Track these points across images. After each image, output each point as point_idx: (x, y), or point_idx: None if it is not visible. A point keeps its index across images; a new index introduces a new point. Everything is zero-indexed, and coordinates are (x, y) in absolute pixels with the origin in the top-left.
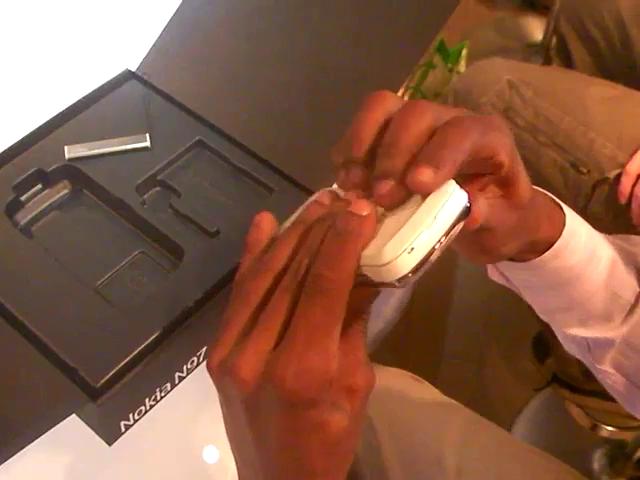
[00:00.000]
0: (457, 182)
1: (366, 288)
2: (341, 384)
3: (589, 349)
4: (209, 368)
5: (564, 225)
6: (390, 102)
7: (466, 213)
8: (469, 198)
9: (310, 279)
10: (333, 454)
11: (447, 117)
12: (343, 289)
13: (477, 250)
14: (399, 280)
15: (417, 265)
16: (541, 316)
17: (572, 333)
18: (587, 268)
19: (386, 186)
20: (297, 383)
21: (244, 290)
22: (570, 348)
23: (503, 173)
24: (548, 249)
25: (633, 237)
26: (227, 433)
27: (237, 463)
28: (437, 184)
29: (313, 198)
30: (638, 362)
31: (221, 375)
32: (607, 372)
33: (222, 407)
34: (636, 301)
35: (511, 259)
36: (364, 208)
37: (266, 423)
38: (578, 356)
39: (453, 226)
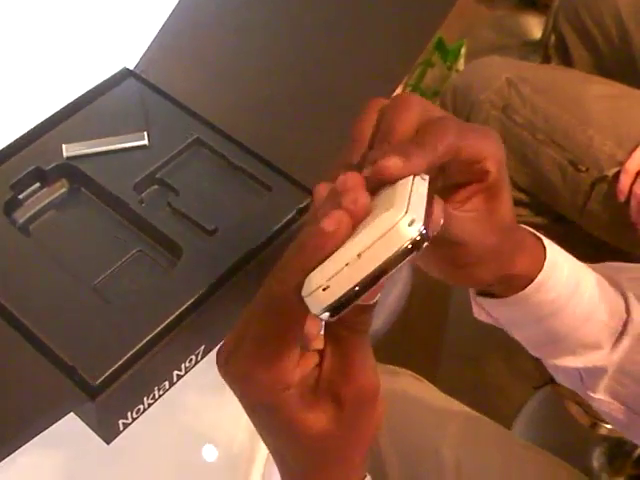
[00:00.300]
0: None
1: None
2: (325, 389)
3: (581, 379)
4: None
5: (545, 259)
6: (383, 103)
7: (410, 251)
8: (423, 229)
9: (262, 289)
10: (312, 453)
11: (436, 114)
12: (285, 304)
13: (448, 264)
14: (317, 315)
15: (332, 305)
16: (532, 352)
17: (563, 364)
18: (571, 300)
19: (365, 173)
20: (247, 388)
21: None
22: (563, 380)
23: (489, 182)
24: (528, 284)
25: (615, 264)
26: None
27: None
28: (402, 173)
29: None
30: (635, 389)
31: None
32: (603, 400)
33: None
34: (624, 327)
35: (492, 295)
36: (332, 223)
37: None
38: (571, 387)
39: (384, 269)
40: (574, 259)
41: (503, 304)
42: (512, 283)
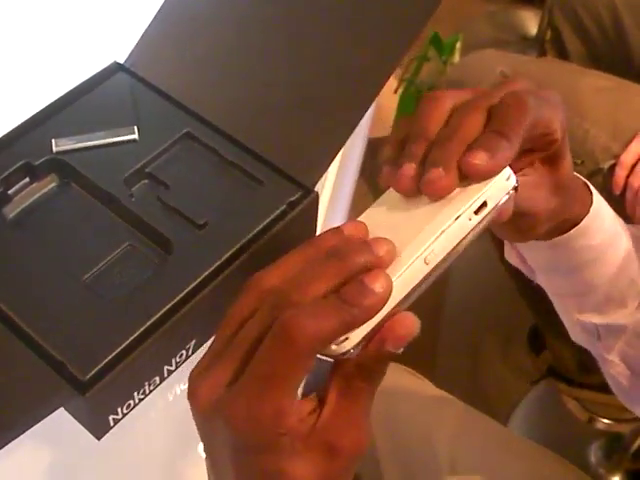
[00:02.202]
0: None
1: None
2: (320, 439)
3: (599, 337)
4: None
5: (591, 204)
6: (449, 102)
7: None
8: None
9: (281, 325)
10: None
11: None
12: (307, 351)
13: (512, 230)
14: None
15: (344, 353)
16: (552, 299)
17: (584, 319)
18: (608, 250)
19: (435, 173)
20: (244, 426)
21: (229, 309)
22: (578, 337)
23: (555, 149)
24: (572, 228)
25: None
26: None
27: None
28: (493, 170)
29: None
30: None
31: (188, 395)
32: (613, 362)
33: None
34: None
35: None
36: (382, 284)
37: (221, 458)
38: (586, 345)
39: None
40: (613, 211)
41: (545, 247)
42: (558, 227)
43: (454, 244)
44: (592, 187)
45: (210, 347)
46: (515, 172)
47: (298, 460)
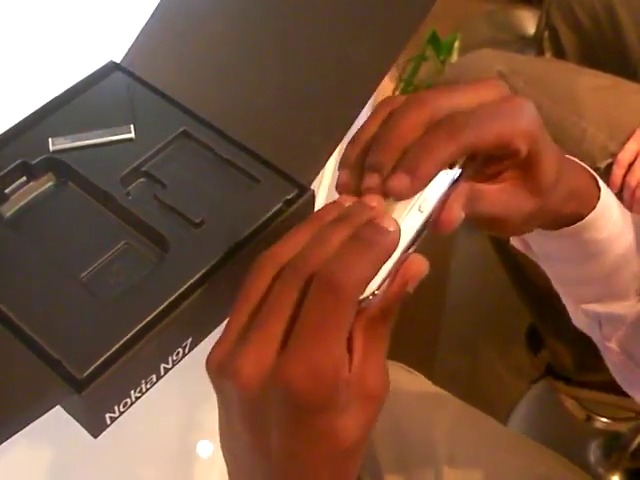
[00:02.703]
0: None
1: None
2: (358, 389)
3: (600, 325)
4: (208, 369)
5: (598, 199)
6: (396, 102)
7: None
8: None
9: (322, 279)
10: (341, 467)
11: (447, 108)
12: (354, 295)
13: (487, 229)
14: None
15: (365, 299)
16: (555, 286)
17: (585, 307)
18: (614, 244)
19: (371, 179)
20: (306, 385)
21: (245, 285)
22: (580, 322)
23: (521, 159)
24: (576, 222)
25: None
26: (221, 439)
27: (231, 472)
28: (410, 193)
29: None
30: None
31: (220, 377)
32: (612, 350)
33: (220, 411)
34: None
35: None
36: (392, 224)
37: (269, 430)
38: (587, 331)
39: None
40: (621, 204)
41: (550, 236)
42: (561, 222)
43: (442, 191)
44: (601, 182)
45: (230, 325)
46: (482, 181)
47: (345, 416)
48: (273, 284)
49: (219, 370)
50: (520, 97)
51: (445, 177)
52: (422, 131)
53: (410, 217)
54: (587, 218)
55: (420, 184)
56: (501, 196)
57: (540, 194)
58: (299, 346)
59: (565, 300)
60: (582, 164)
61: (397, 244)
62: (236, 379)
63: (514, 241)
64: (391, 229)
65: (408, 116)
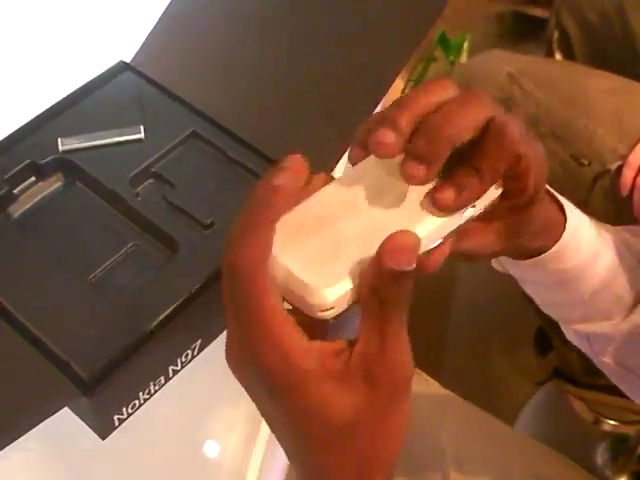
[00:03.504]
0: None
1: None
2: (356, 370)
3: (589, 342)
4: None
5: (563, 229)
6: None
7: None
8: None
9: (225, 269)
10: (339, 449)
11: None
12: (249, 271)
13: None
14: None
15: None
16: (541, 308)
17: (570, 327)
18: (588, 270)
19: (414, 169)
20: (261, 367)
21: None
22: (572, 339)
23: (522, 198)
24: (542, 253)
25: (636, 227)
26: None
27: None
28: (458, 207)
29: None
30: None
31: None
32: (607, 363)
33: None
34: (638, 301)
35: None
36: (279, 179)
37: (266, 408)
38: (580, 347)
39: None
40: (592, 226)
41: (518, 266)
42: (527, 254)
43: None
44: (568, 207)
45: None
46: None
47: (336, 387)
48: None
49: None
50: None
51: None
52: None
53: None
54: (551, 250)
55: (464, 203)
56: (480, 235)
57: (517, 235)
58: (240, 336)
59: (553, 317)
60: (552, 192)
61: (289, 198)
62: (230, 367)
63: (495, 265)
64: (276, 182)
65: (468, 108)
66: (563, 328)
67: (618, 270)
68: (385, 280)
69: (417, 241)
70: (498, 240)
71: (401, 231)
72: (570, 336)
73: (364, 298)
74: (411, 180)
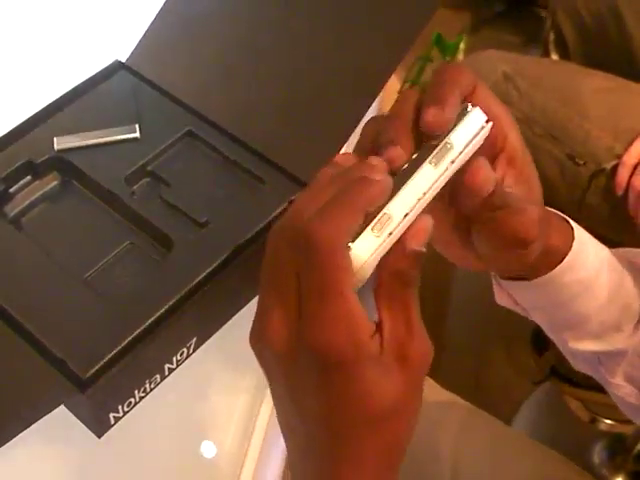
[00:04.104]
0: None
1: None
2: (393, 352)
3: (600, 363)
4: (250, 343)
5: (573, 238)
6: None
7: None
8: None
9: (302, 236)
10: (378, 432)
11: None
12: (334, 245)
13: (504, 244)
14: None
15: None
16: (550, 336)
17: (582, 348)
18: (597, 281)
19: (390, 151)
20: (325, 342)
21: (264, 260)
22: (580, 365)
23: (510, 149)
24: (558, 264)
25: (631, 250)
26: (276, 412)
27: (287, 445)
28: (447, 120)
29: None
30: None
31: (256, 346)
32: (619, 385)
33: (268, 383)
34: None
35: (518, 278)
36: (379, 173)
37: (305, 391)
38: (589, 372)
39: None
40: (596, 240)
41: (532, 286)
42: (545, 261)
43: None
44: (571, 220)
45: (259, 296)
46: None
47: (378, 373)
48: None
49: (254, 339)
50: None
51: (469, 126)
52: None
53: (421, 174)
54: (567, 259)
55: (449, 112)
56: (514, 192)
57: (538, 201)
58: (307, 308)
59: (562, 348)
60: (559, 214)
61: (384, 193)
62: (268, 347)
63: (501, 300)
64: (377, 178)
65: (407, 94)
66: (571, 357)
67: (623, 279)
68: (409, 261)
69: (432, 222)
70: (530, 200)
71: (419, 217)
72: (579, 364)
73: (386, 281)
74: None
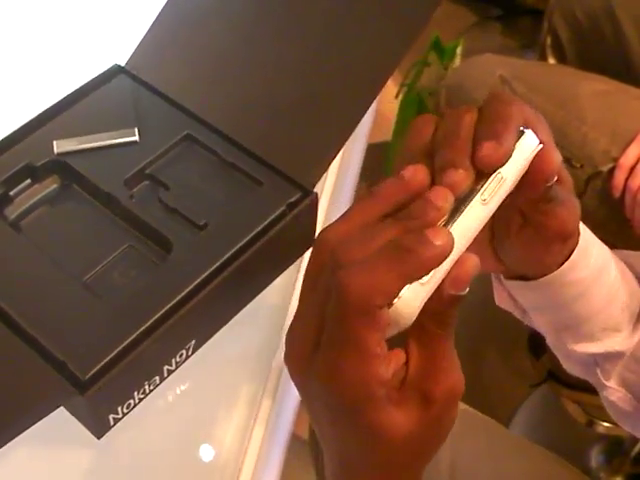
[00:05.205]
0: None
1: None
2: (412, 389)
3: (597, 364)
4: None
5: (579, 236)
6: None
7: None
8: None
9: (336, 284)
10: (391, 455)
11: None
12: (370, 306)
13: (535, 245)
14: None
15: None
16: (548, 338)
17: (581, 350)
18: (598, 280)
19: (453, 174)
20: (335, 389)
21: (306, 268)
22: (573, 369)
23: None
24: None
25: (630, 252)
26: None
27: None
28: (506, 155)
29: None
30: None
31: (285, 345)
32: (613, 389)
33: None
34: None
35: (520, 278)
36: (440, 237)
37: (322, 417)
38: (583, 376)
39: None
40: (599, 240)
41: (536, 285)
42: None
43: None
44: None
45: (297, 307)
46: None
47: (396, 411)
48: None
49: (285, 340)
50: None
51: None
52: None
53: (472, 211)
54: (572, 257)
55: (507, 148)
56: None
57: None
58: (324, 353)
59: (556, 350)
60: None
61: (443, 258)
62: (287, 361)
63: (500, 302)
64: (437, 243)
65: (464, 115)
66: (565, 360)
67: (622, 278)
68: (445, 304)
69: (477, 262)
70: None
71: (461, 258)
72: (572, 367)
73: (420, 318)
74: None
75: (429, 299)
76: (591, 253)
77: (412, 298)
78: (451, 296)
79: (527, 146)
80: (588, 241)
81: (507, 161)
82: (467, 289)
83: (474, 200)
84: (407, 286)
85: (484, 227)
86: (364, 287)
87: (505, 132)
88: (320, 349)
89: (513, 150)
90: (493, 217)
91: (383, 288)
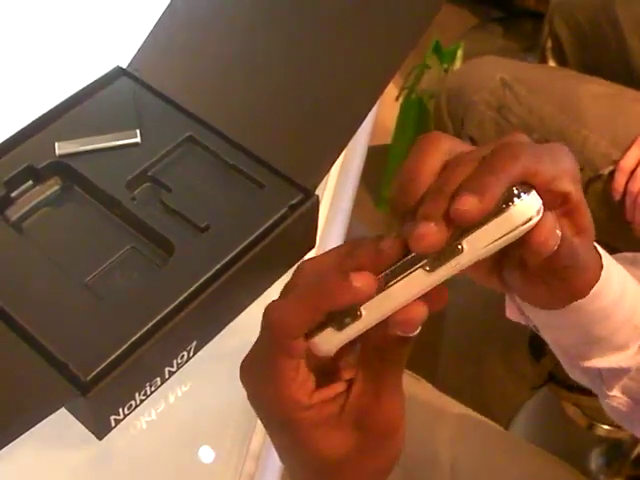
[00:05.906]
0: None
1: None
2: (349, 416)
3: (601, 377)
4: None
5: (602, 267)
6: (445, 145)
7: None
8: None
9: (265, 314)
10: (326, 476)
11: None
12: (283, 335)
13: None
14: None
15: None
16: (553, 349)
17: (587, 365)
18: (617, 306)
19: (423, 228)
20: (263, 408)
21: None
22: (578, 377)
23: (572, 202)
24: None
25: (629, 254)
26: None
27: None
28: (482, 212)
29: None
30: None
31: None
32: (614, 396)
33: None
34: None
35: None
36: (360, 280)
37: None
38: (585, 384)
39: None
40: (615, 262)
41: (549, 312)
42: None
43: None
44: (597, 246)
45: None
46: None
47: (331, 435)
48: None
49: None
50: (556, 142)
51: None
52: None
53: (411, 278)
54: (596, 287)
55: (489, 203)
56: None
57: (590, 238)
58: (254, 373)
59: (562, 360)
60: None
61: (357, 299)
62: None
63: (511, 315)
64: (355, 284)
65: (461, 164)
66: (570, 370)
67: (637, 301)
68: (391, 343)
69: (424, 312)
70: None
71: (411, 304)
72: (577, 376)
73: (366, 350)
74: (421, 242)
75: (374, 335)
76: (613, 279)
77: (324, 340)
78: (397, 336)
79: (518, 212)
80: (608, 269)
81: (480, 225)
82: (416, 332)
83: (418, 265)
84: (322, 333)
85: (487, 258)
86: (279, 318)
87: (486, 189)
88: (252, 362)
89: (496, 213)
90: (501, 251)
91: (294, 320)
